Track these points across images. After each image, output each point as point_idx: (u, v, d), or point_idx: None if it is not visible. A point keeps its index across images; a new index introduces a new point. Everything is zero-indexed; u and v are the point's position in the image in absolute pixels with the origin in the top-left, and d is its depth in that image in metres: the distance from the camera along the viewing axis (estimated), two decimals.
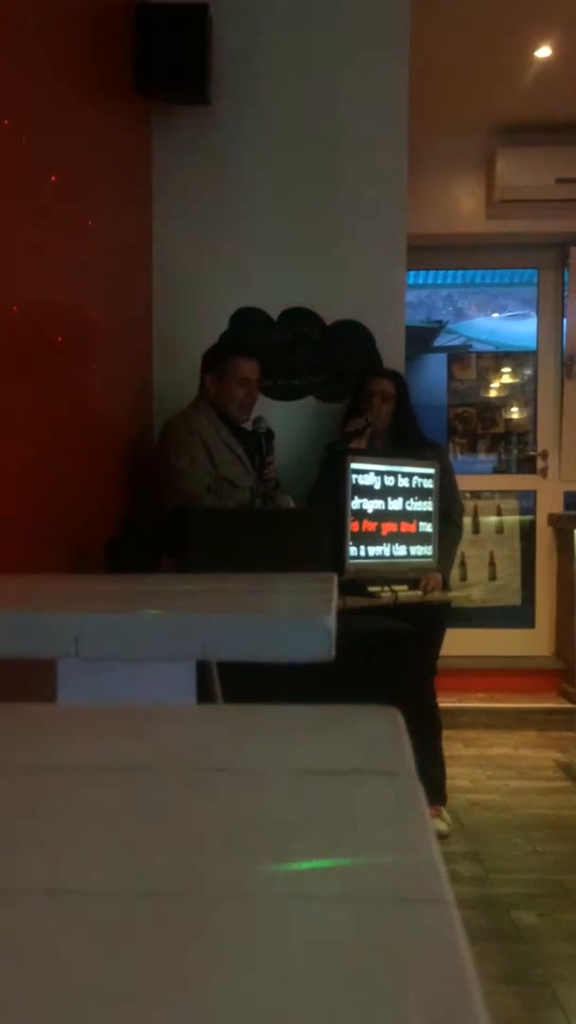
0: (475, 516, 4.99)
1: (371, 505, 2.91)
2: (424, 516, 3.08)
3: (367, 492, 2.91)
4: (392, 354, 3.52)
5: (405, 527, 3.02)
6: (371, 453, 3.08)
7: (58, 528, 2.30)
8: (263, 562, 1.99)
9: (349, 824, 0.48)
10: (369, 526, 2.91)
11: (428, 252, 4.73)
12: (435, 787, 3.07)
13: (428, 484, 3.10)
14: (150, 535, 2.55)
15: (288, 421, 3.43)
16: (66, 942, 0.35)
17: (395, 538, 2.98)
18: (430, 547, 3.10)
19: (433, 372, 5.50)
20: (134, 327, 3.34)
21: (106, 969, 0.33)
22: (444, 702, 3.30)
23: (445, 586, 3.20)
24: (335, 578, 1.32)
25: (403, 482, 3.01)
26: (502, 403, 5.27)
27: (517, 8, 3.53)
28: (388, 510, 2.96)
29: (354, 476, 2.86)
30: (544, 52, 3.85)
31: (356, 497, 2.86)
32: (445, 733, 3.23)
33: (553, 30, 3.69)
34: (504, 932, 2.36)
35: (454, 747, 3.89)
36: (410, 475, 3.04)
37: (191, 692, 1.01)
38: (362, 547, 2.88)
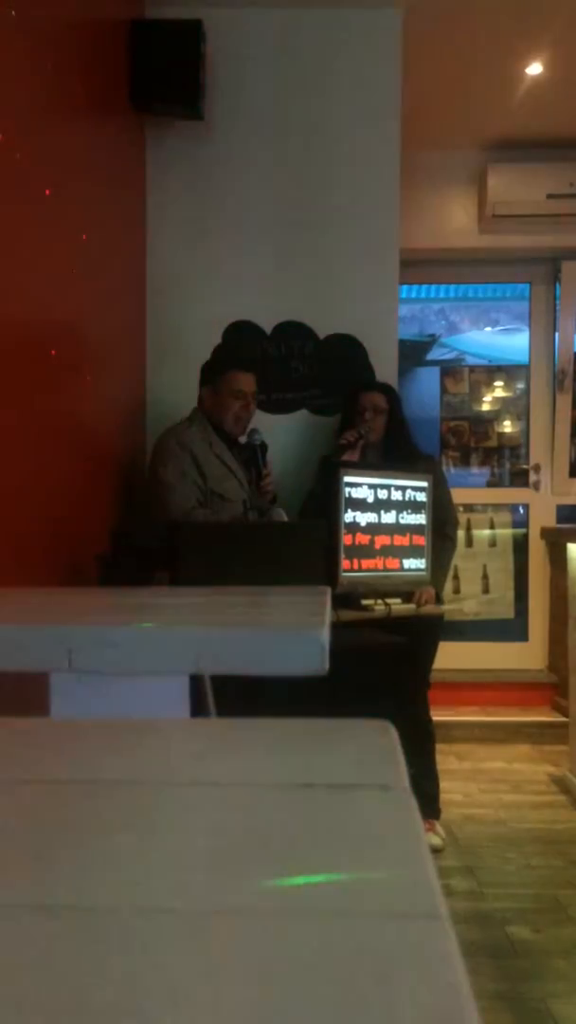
0: (468, 529, 5.00)
1: (364, 518, 2.92)
2: (417, 529, 3.09)
3: (360, 505, 2.91)
4: (385, 368, 3.53)
5: (398, 540, 3.02)
6: (364, 466, 3.08)
7: (51, 542, 2.30)
8: (256, 575, 1.98)
9: (343, 838, 0.47)
10: (362, 539, 2.91)
11: (421, 266, 4.76)
12: (429, 801, 3.06)
13: (421, 497, 3.10)
14: (143, 548, 2.55)
15: (281, 435, 3.43)
16: (58, 958, 0.35)
17: (388, 551, 2.99)
18: (423, 560, 3.10)
19: (426, 385, 5.51)
20: (128, 341, 3.34)
21: (99, 985, 0.33)
22: (437, 715, 3.29)
23: (438, 599, 3.19)
24: (328, 591, 1.32)
25: (396, 495, 3.02)
26: (495, 416, 5.29)
27: (508, 26, 3.56)
28: (381, 523, 2.96)
29: (347, 489, 2.86)
30: (535, 69, 3.88)
31: (349, 510, 2.87)
32: (438, 747, 3.22)
33: (544, 48, 3.73)
34: (498, 947, 2.35)
35: (448, 761, 3.88)
36: (403, 488, 3.04)
37: (184, 706, 1.01)
38: (355, 560, 2.88)
